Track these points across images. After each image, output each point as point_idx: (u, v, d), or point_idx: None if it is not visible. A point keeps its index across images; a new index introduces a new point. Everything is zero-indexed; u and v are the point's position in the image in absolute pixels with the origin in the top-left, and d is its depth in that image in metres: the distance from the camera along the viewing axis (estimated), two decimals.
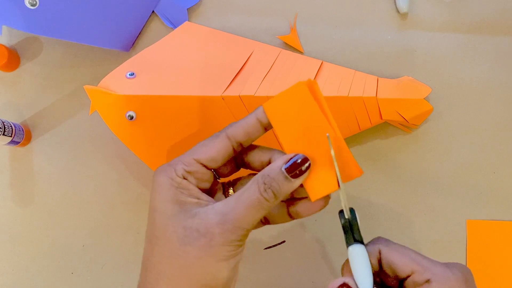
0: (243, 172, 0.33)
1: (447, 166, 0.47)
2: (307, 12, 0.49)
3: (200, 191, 0.29)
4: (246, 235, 0.28)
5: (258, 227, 0.31)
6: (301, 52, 0.48)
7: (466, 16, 0.49)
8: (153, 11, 0.49)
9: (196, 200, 0.28)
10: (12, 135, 0.45)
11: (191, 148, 0.30)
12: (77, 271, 0.47)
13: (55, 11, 0.44)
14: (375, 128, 0.46)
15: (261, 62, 0.43)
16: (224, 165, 0.31)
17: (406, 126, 0.46)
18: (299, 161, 0.27)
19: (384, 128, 0.47)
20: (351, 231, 0.29)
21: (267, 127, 0.29)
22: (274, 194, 0.27)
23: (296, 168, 0.27)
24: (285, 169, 0.27)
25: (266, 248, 0.46)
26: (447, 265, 0.28)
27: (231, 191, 0.32)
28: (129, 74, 0.40)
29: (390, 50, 0.48)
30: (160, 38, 0.45)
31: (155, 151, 0.40)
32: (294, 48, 0.49)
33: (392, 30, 0.49)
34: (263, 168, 0.29)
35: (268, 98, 0.40)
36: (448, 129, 0.47)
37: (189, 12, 0.49)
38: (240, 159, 0.31)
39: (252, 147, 0.31)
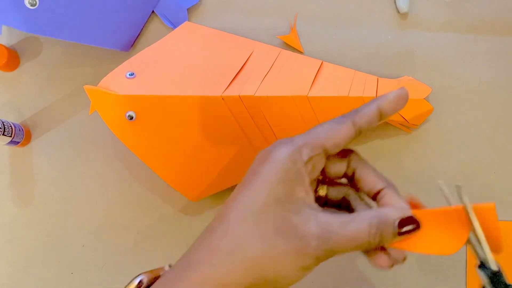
0: None
1: (447, 166, 0.47)
2: (307, 12, 0.49)
3: (309, 185, 0.28)
4: (326, 259, 0.27)
5: None
6: (301, 52, 0.48)
7: (466, 16, 0.49)
8: (153, 11, 0.49)
9: (304, 195, 0.27)
10: (12, 135, 0.45)
11: (310, 129, 0.29)
12: (77, 271, 0.47)
13: (55, 11, 0.44)
14: (375, 128, 0.46)
15: (261, 62, 0.43)
16: (334, 172, 0.30)
17: (406, 126, 0.46)
18: (414, 228, 0.27)
19: (384, 128, 0.47)
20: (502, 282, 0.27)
21: (384, 116, 0.29)
22: (380, 241, 0.26)
23: (407, 232, 0.26)
24: (398, 224, 0.26)
25: None
26: None
27: (322, 189, 0.31)
28: (129, 74, 0.40)
29: (390, 50, 0.48)
30: (160, 38, 0.45)
31: (155, 151, 0.40)
32: (294, 48, 0.48)
33: (392, 30, 0.49)
34: (367, 190, 0.29)
35: (268, 98, 0.40)
36: (448, 129, 0.47)
37: (189, 12, 0.49)
38: (350, 172, 0.30)
39: (368, 165, 0.30)
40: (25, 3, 0.43)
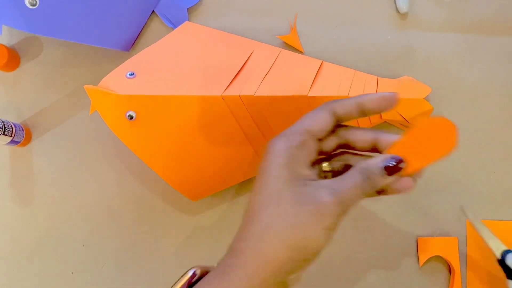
0: None
1: (447, 166, 0.47)
2: (307, 12, 0.49)
3: (308, 164, 0.32)
4: (345, 214, 0.30)
5: None
6: (301, 52, 0.48)
7: (466, 16, 0.49)
8: (153, 11, 0.49)
9: (307, 172, 0.31)
10: (12, 135, 0.45)
11: (296, 122, 0.33)
12: (77, 271, 0.47)
13: (55, 11, 0.44)
14: (375, 128, 0.46)
15: (261, 62, 0.43)
16: (328, 142, 0.33)
17: (406, 126, 0.46)
18: (396, 162, 0.30)
19: (384, 128, 0.47)
20: None
21: (365, 113, 0.32)
22: (371, 185, 0.30)
23: (393, 169, 0.30)
24: (383, 167, 0.30)
25: None
26: None
27: (325, 165, 0.34)
28: (129, 74, 0.40)
29: (390, 50, 0.48)
30: (160, 38, 0.45)
31: (155, 150, 0.40)
32: (294, 48, 0.49)
33: (392, 30, 0.49)
34: (367, 147, 0.32)
35: (268, 98, 0.40)
36: None
37: (189, 12, 0.49)
38: (344, 141, 0.34)
39: (356, 127, 0.33)
40: (25, 3, 0.43)
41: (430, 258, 0.45)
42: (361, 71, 0.45)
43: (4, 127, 0.44)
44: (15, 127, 0.45)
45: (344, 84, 0.43)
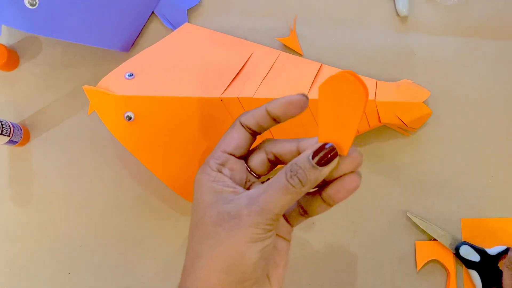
0: None
1: (446, 170, 0.47)
2: (307, 15, 0.49)
3: (234, 183, 0.31)
4: (274, 220, 0.28)
5: (300, 220, 0.33)
6: (300, 55, 0.48)
7: (466, 19, 0.49)
8: (152, 12, 0.49)
9: (232, 189, 0.30)
10: (11, 135, 0.45)
11: (216, 144, 0.32)
12: (74, 271, 0.47)
13: (55, 11, 0.44)
14: (374, 131, 0.46)
15: (260, 64, 0.43)
16: (258, 164, 0.32)
17: (404, 130, 0.46)
18: (326, 150, 0.27)
19: (382, 131, 0.47)
20: None
21: (277, 119, 0.31)
22: (300, 181, 0.27)
23: (322, 157, 0.27)
24: (312, 157, 0.27)
25: None
26: None
27: (264, 179, 0.33)
28: (128, 75, 0.40)
29: (389, 53, 0.48)
30: (160, 39, 0.45)
31: (153, 152, 0.40)
32: (293, 50, 0.49)
33: (391, 33, 0.49)
34: (290, 158, 0.30)
35: (266, 100, 0.40)
36: (447, 132, 0.47)
37: (189, 13, 0.49)
38: (272, 156, 0.32)
39: (280, 140, 0.32)
40: (25, 3, 0.43)
41: (428, 262, 0.45)
42: (360, 74, 0.45)
43: (2, 127, 0.44)
44: (13, 127, 0.45)
45: None
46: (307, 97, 0.30)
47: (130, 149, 0.40)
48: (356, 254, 0.46)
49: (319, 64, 0.45)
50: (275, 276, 0.32)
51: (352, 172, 0.28)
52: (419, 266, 0.45)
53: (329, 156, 0.27)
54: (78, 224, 0.47)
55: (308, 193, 0.31)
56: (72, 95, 0.49)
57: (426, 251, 0.45)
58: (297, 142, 0.31)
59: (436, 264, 0.45)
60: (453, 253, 0.45)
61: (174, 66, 0.42)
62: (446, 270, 0.45)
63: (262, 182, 0.32)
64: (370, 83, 0.44)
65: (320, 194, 0.30)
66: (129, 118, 0.39)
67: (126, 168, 0.48)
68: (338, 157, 0.27)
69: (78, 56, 0.49)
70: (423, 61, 0.48)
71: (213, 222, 0.29)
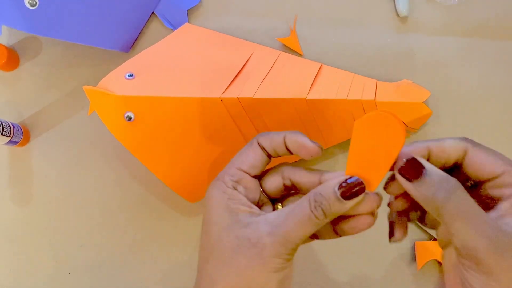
0: None
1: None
2: (307, 15, 0.49)
3: (249, 202, 0.30)
4: (295, 249, 0.28)
5: (307, 242, 0.31)
6: (300, 55, 0.48)
7: (466, 20, 0.49)
8: (153, 12, 0.49)
9: (248, 209, 0.29)
10: (11, 135, 0.45)
11: (230, 160, 0.32)
12: (75, 272, 0.47)
13: (55, 11, 0.44)
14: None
15: (260, 64, 0.43)
16: (273, 187, 0.31)
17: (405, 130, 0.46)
18: (353, 183, 0.27)
19: None
20: None
21: (291, 151, 0.30)
22: (324, 213, 0.27)
23: (349, 191, 0.26)
24: (338, 189, 0.26)
25: None
26: None
27: (279, 206, 0.32)
28: (128, 75, 0.40)
29: (389, 53, 0.48)
30: (160, 39, 0.45)
31: (153, 152, 0.40)
32: (293, 50, 0.49)
33: (391, 33, 0.49)
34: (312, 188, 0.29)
35: (267, 100, 0.40)
36: (447, 133, 0.47)
37: (189, 13, 0.50)
38: (289, 182, 0.31)
39: (300, 168, 0.31)
40: (25, 3, 0.43)
41: (428, 261, 0.45)
42: (360, 74, 0.45)
43: (3, 127, 0.44)
44: (13, 127, 0.45)
45: (343, 87, 0.43)
46: (322, 149, 0.29)
47: (130, 149, 0.40)
48: (356, 254, 0.46)
49: (319, 64, 0.45)
50: None
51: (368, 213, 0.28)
52: (419, 266, 0.45)
53: (356, 189, 0.26)
54: (78, 224, 0.47)
55: None
56: (72, 95, 0.49)
57: (426, 251, 0.45)
58: (320, 174, 0.30)
59: (436, 264, 0.45)
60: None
61: (174, 66, 0.42)
62: None
63: (274, 209, 0.32)
64: (370, 83, 0.44)
65: (333, 225, 0.30)
66: (129, 118, 0.39)
67: (126, 168, 0.48)
68: (364, 192, 0.27)
69: (78, 56, 0.49)
70: (423, 61, 0.48)
71: (232, 248, 0.27)
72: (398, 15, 0.49)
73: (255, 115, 0.41)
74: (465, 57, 0.48)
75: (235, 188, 0.30)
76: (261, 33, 0.49)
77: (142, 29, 0.49)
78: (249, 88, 0.40)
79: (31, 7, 0.43)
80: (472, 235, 0.24)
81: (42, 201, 0.47)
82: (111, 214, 0.47)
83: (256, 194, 0.31)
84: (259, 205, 0.31)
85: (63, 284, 0.46)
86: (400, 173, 0.26)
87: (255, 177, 0.31)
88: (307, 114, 0.41)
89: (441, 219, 0.25)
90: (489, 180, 0.27)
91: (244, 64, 0.43)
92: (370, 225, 0.29)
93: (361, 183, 0.27)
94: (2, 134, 0.44)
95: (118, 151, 0.47)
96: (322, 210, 0.27)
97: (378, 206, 0.28)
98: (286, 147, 0.30)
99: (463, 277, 0.25)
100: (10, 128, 0.45)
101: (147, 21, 0.49)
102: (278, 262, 0.27)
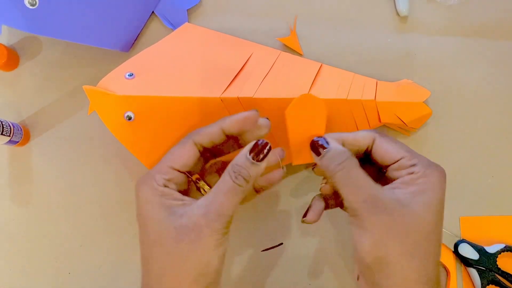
0: None
1: (446, 170, 0.47)
2: (307, 15, 0.49)
3: (181, 194, 0.32)
4: (229, 222, 0.30)
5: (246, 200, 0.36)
6: (300, 54, 0.48)
7: (466, 20, 0.49)
8: (153, 12, 0.49)
9: (181, 202, 0.31)
10: (11, 135, 0.45)
11: (164, 156, 0.34)
12: (74, 271, 0.47)
13: (55, 11, 0.44)
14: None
15: (260, 64, 0.43)
16: (196, 164, 0.34)
17: (405, 129, 0.46)
18: (261, 145, 0.30)
19: (383, 131, 0.47)
20: None
21: (229, 135, 0.33)
22: (245, 179, 0.30)
23: (259, 153, 0.30)
24: (250, 155, 0.30)
25: (263, 250, 0.46)
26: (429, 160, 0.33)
27: (201, 183, 0.35)
28: (128, 75, 0.40)
29: (389, 53, 0.48)
30: (160, 39, 0.45)
31: (153, 152, 0.40)
32: (293, 50, 0.49)
33: (392, 33, 0.49)
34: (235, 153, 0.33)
35: (266, 100, 0.40)
36: (447, 132, 0.47)
37: (189, 13, 0.49)
38: (210, 153, 0.35)
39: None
40: (25, 3, 0.43)
41: None
42: (360, 74, 0.45)
43: (3, 127, 0.44)
44: (13, 127, 0.45)
45: (343, 87, 0.43)
46: (257, 112, 0.33)
47: (130, 149, 0.40)
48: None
49: (319, 64, 0.45)
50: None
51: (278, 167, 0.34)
52: None
53: (264, 150, 0.30)
54: (78, 224, 0.47)
55: None
56: (72, 95, 0.49)
57: None
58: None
59: None
60: (452, 252, 0.45)
61: (174, 66, 0.42)
62: (446, 270, 0.45)
63: (206, 192, 0.35)
64: (370, 83, 0.44)
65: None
66: (129, 118, 0.39)
67: (126, 167, 0.48)
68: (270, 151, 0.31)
69: (78, 56, 0.49)
70: (423, 61, 0.48)
71: (172, 239, 0.29)
72: (398, 15, 0.49)
73: None
74: (465, 57, 0.48)
75: (166, 186, 0.32)
76: (261, 33, 0.49)
77: (142, 29, 0.49)
78: (249, 88, 0.40)
79: (31, 7, 0.43)
80: (355, 198, 0.29)
81: (42, 201, 0.47)
82: (111, 214, 0.47)
83: (185, 185, 0.34)
84: (187, 191, 0.34)
85: (63, 284, 0.46)
86: (311, 148, 0.32)
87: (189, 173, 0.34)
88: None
89: (335, 186, 0.31)
90: (391, 164, 0.32)
91: (244, 64, 0.43)
92: (281, 176, 0.34)
93: (267, 143, 0.31)
94: (2, 134, 0.44)
95: (118, 151, 0.47)
96: (242, 177, 0.30)
97: (282, 157, 0.34)
98: (226, 134, 0.33)
99: (353, 233, 0.30)
100: (10, 128, 0.45)
101: (147, 21, 0.49)
102: (216, 238, 0.30)
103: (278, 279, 0.46)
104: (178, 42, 0.45)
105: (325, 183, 0.35)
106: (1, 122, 0.44)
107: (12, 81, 0.49)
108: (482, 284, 0.43)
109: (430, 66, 0.48)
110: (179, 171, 0.33)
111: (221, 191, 0.30)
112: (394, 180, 0.32)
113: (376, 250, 0.28)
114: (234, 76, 0.42)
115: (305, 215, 0.35)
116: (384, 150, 0.32)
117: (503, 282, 0.43)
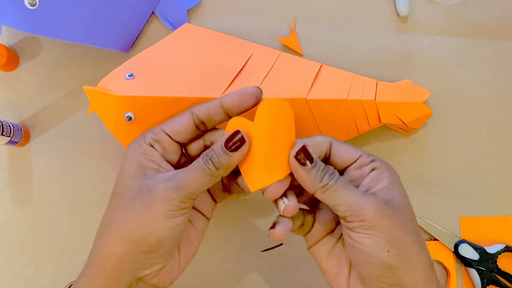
0: None
1: (446, 170, 0.47)
2: (307, 15, 0.49)
3: (162, 159, 0.33)
4: (189, 198, 0.31)
5: (224, 197, 0.37)
6: (300, 55, 0.48)
7: (466, 20, 0.49)
8: (153, 12, 0.49)
9: (156, 166, 0.32)
10: (11, 135, 0.45)
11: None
12: (75, 272, 0.47)
13: (55, 11, 0.44)
14: (374, 132, 0.46)
15: (260, 64, 0.43)
16: (194, 145, 0.35)
17: (405, 130, 0.46)
18: (233, 135, 0.31)
19: (383, 131, 0.47)
20: None
21: (229, 112, 0.33)
22: (214, 164, 0.30)
23: (232, 144, 0.30)
24: (224, 144, 0.30)
25: (263, 251, 0.46)
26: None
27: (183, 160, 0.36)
28: (128, 75, 0.40)
29: (389, 53, 0.48)
30: (160, 39, 0.45)
31: None
32: (293, 50, 0.49)
33: (392, 33, 0.49)
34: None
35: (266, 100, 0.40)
36: (447, 133, 0.47)
37: (189, 13, 0.49)
38: (209, 142, 0.35)
39: (219, 129, 0.35)
40: (25, 3, 0.43)
41: None
42: (360, 74, 0.45)
43: (3, 127, 0.44)
44: (13, 127, 0.45)
45: (343, 87, 0.43)
46: (260, 89, 0.33)
47: None
48: None
49: (319, 64, 0.45)
50: (185, 252, 0.34)
51: None
52: None
53: (236, 141, 0.30)
54: (78, 224, 0.47)
55: (229, 175, 0.33)
56: (72, 95, 0.49)
57: None
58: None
59: (436, 264, 0.46)
60: (452, 252, 0.45)
61: (174, 66, 0.42)
62: (446, 270, 0.45)
63: None
64: (370, 83, 0.44)
65: (229, 185, 0.36)
66: (129, 118, 0.39)
67: None
68: (245, 145, 0.31)
69: (78, 56, 0.49)
70: (424, 62, 0.48)
71: (131, 195, 0.30)
72: (398, 15, 0.49)
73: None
74: (465, 57, 0.48)
75: (151, 145, 0.33)
76: (261, 33, 0.49)
77: (142, 29, 0.49)
78: None
79: (31, 7, 0.43)
80: (358, 200, 0.30)
81: (42, 201, 0.47)
82: None
83: (174, 156, 0.34)
84: (179, 167, 0.34)
85: (63, 284, 0.46)
86: (296, 158, 0.31)
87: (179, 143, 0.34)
88: (307, 114, 0.41)
89: (327, 196, 0.30)
90: (351, 164, 0.33)
91: (244, 64, 0.43)
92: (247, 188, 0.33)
93: (242, 137, 0.31)
94: (2, 134, 0.44)
95: (118, 151, 0.47)
96: (212, 162, 0.30)
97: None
98: (224, 109, 0.33)
99: (350, 240, 0.30)
100: (10, 128, 0.45)
101: (147, 21, 0.49)
102: (169, 208, 0.30)
103: (278, 279, 0.46)
104: (178, 42, 0.45)
105: (286, 203, 0.32)
106: (1, 122, 0.44)
107: (12, 81, 0.49)
108: (482, 284, 0.43)
109: (430, 66, 0.48)
110: (171, 137, 0.33)
111: (190, 168, 0.31)
112: (356, 180, 0.32)
113: (395, 248, 0.29)
114: (234, 77, 0.42)
115: (272, 227, 0.33)
116: (343, 151, 0.33)
117: (503, 283, 0.43)
